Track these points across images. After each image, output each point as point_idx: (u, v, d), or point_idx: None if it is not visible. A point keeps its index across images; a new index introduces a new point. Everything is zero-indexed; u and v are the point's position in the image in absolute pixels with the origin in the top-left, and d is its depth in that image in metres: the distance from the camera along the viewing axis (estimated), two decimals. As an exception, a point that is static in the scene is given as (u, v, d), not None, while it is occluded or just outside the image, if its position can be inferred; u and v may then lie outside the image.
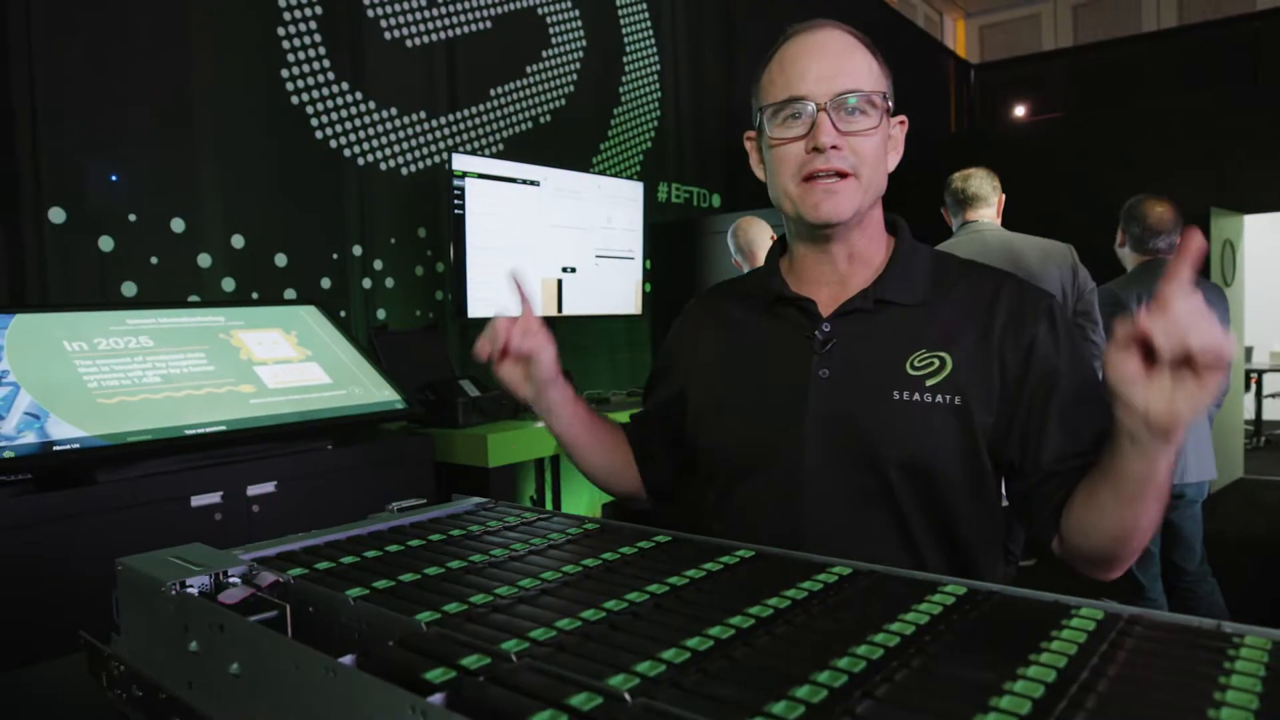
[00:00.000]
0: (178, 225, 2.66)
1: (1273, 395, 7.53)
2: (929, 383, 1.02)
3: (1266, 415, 7.63)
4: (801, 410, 1.05)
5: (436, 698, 0.48)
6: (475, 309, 3.11)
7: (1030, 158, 6.40)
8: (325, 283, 3.09)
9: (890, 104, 1.08)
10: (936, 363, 1.03)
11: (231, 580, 0.72)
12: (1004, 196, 2.88)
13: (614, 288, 3.73)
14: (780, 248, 1.21)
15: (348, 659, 0.53)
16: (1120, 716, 0.47)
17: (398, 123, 3.31)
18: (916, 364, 1.03)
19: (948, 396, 1.01)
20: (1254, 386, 7.32)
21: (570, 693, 0.48)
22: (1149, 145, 6.17)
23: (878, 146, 1.06)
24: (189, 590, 0.69)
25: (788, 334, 1.12)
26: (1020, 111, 9.38)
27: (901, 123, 1.13)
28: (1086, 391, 1.04)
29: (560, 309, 3.46)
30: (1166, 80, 8.29)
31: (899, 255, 1.12)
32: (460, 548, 0.81)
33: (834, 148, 1.02)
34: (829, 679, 0.50)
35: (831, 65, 1.03)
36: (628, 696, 0.47)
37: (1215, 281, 5.79)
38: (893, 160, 1.12)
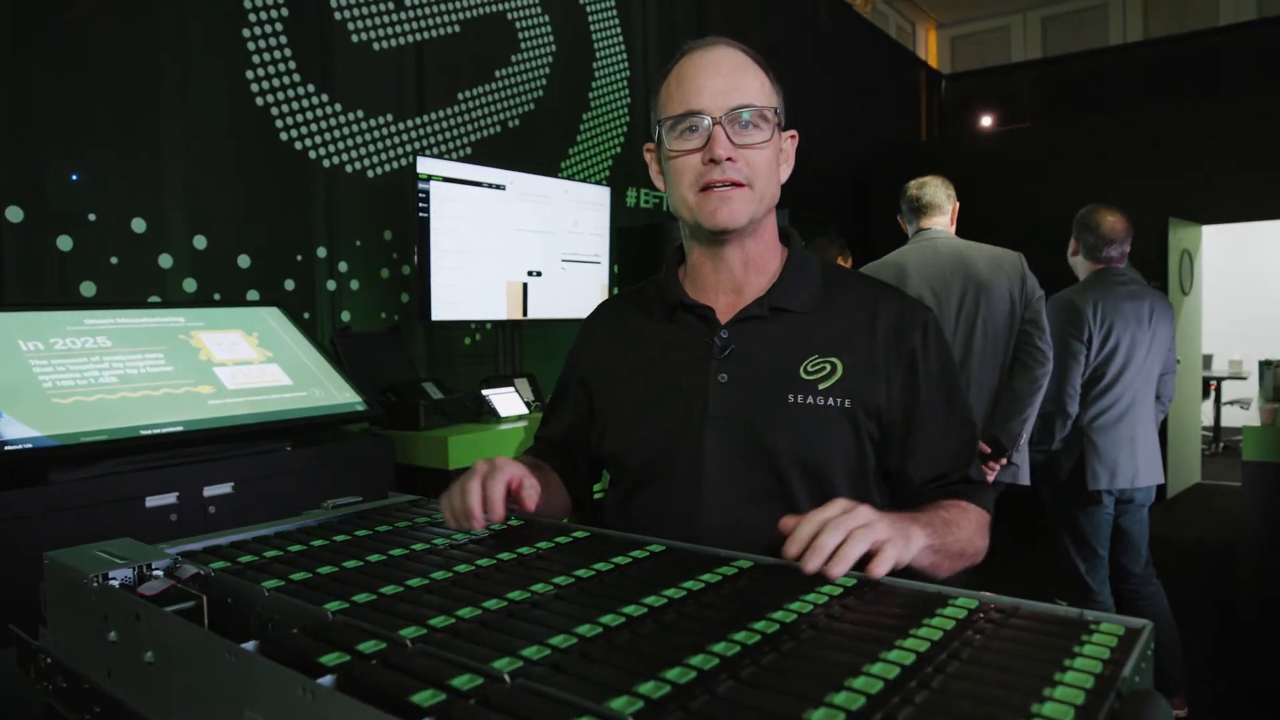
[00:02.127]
0: (139, 225, 2.66)
1: (1231, 402, 7.69)
2: (821, 386, 1.08)
3: (1225, 422, 7.79)
4: (703, 414, 1.11)
5: (326, 679, 0.51)
6: (439, 312, 3.13)
7: (997, 167, 6.51)
8: (289, 284, 3.10)
9: (781, 119, 1.14)
10: (828, 367, 1.09)
11: (155, 573, 0.74)
12: (958, 205, 2.94)
13: (580, 292, 3.76)
14: (678, 257, 1.26)
15: (249, 645, 0.56)
16: (962, 694, 0.51)
17: (364, 125, 3.32)
18: (810, 368, 1.10)
19: (838, 399, 1.08)
20: (1213, 394, 7.47)
21: (454, 674, 0.51)
22: (1111, 156, 6.30)
23: (770, 159, 1.12)
24: (110, 582, 0.71)
25: (688, 340, 1.17)
26: (988, 121, 9.52)
27: (792, 137, 1.19)
28: (954, 410, 1.14)
29: (525, 313, 3.49)
30: (1132, 92, 8.45)
31: (791, 264, 1.18)
32: (382, 542, 0.84)
33: (729, 159, 1.07)
34: (701, 662, 0.54)
35: (725, 81, 1.08)
36: (507, 677, 0.51)
37: (1174, 290, 5.93)
38: (784, 172, 1.17)
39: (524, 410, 3.13)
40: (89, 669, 0.71)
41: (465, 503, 0.92)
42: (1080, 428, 2.81)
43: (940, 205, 2.87)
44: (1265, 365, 3.45)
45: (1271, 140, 5.87)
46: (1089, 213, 2.93)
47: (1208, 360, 7.17)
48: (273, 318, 2.75)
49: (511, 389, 3.22)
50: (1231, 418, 7.86)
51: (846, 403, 1.08)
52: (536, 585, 0.69)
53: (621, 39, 4.69)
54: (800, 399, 1.08)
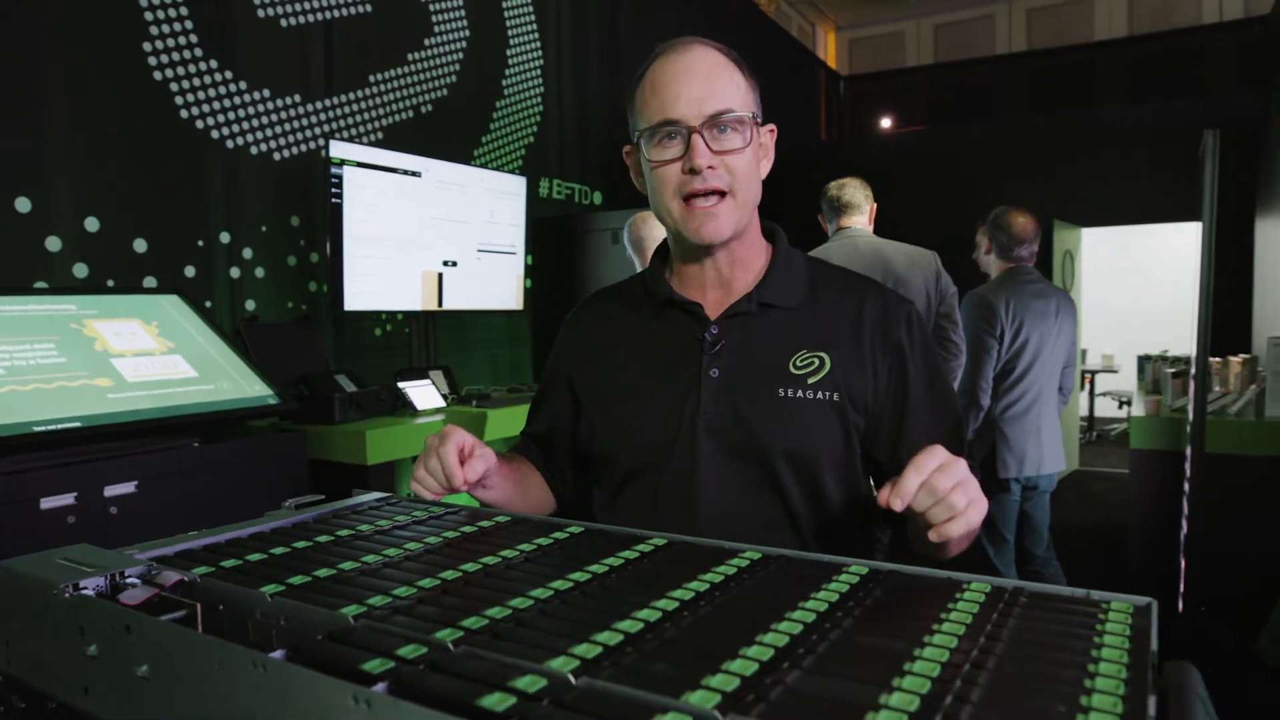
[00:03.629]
0: (23, 205, 2.46)
1: (1104, 394, 8.22)
2: (810, 380, 1.10)
3: (1098, 412, 8.34)
4: (695, 408, 1.11)
5: (379, 686, 0.48)
6: (352, 301, 3.02)
7: (893, 167, 6.75)
8: (189, 271, 2.93)
9: (759, 117, 1.13)
10: (817, 362, 1.11)
11: (130, 580, 0.68)
12: (875, 205, 3.04)
13: (496, 283, 3.70)
14: (663, 253, 1.25)
15: (278, 654, 0.52)
16: (1018, 674, 0.52)
17: (270, 105, 3.17)
18: (799, 363, 1.11)
19: (827, 393, 1.10)
20: (1088, 386, 7.98)
21: (514, 675, 0.49)
22: (999, 161, 6.63)
23: (750, 161, 1.11)
24: (84, 592, 0.65)
25: (677, 336, 1.17)
26: (886, 123, 9.87)
27: (771, 130, 1.18)
28: (940, 398, 1.16)
29: (441, 303, 3.40)
30: (1017, 99, 8.93)
31: (777, 261, 1.19)
32: (372, 542, 0.80)
33: (710, 167, 1.06)
34: (757, 653, 0.53)
35: (702, 87, 1.07)
36: (571, 677, 0.49)
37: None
38: (765, 167, 1.17)
39: (441, 403, 3.06)
40: (57, 687, 0.65)
41: (439, 478, 1.04)
42: (991, 419, 2.94)
43: (859, 205, 2.96)
44: (1145, 360, 3.69)
45: (1141, 149, 6.31)
46: (1001, 214, 3.06)
47: (1083, 355, 7.65)
48: (173, 306, 2.60)
49: (427, 381, 3.14)
50: (1104, 408, 8.42)
51: (835, 396, 1.09)
52: (556, 582, 0.67)
53: (535, 27, 4.62)
54: (790, 393, 1.09)
